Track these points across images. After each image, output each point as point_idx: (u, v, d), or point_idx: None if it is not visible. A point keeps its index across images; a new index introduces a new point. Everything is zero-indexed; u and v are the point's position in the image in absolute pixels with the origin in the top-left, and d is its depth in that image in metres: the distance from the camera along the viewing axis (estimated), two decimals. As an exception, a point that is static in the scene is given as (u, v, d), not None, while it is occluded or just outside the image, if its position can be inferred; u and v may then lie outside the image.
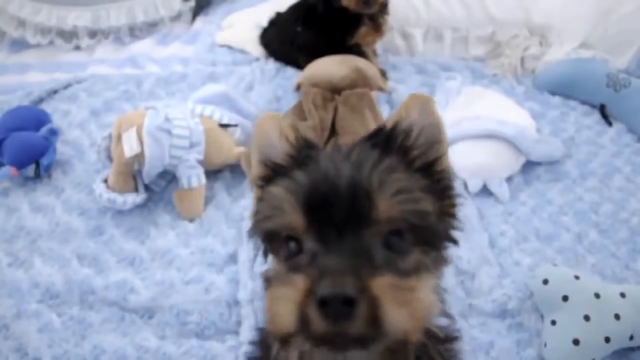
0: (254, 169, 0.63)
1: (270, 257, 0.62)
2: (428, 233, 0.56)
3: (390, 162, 0.56)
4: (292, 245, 0.55)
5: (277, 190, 0.56)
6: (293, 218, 0.54)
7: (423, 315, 0.52)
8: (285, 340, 0.51)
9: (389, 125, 0.61)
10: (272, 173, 0.61)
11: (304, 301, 0.49)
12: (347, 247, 0.51)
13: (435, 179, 0.61)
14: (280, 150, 0.61)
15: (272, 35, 2.05)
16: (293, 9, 2.02)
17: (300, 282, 0.49)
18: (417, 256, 0.55)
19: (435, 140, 0.62)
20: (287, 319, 0.49)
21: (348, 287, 0.47)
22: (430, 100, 0.64)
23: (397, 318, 0.48)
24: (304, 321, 0.49)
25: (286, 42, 2.00)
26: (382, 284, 0.49)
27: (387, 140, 0.60)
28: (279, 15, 2.07)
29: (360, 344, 0.49)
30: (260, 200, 0.60)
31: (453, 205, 0.64)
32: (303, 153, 0.59)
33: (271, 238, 0.58)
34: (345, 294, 0.47)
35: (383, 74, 1.89)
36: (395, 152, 0.59)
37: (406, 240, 0.55)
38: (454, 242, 0.63)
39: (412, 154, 0.60)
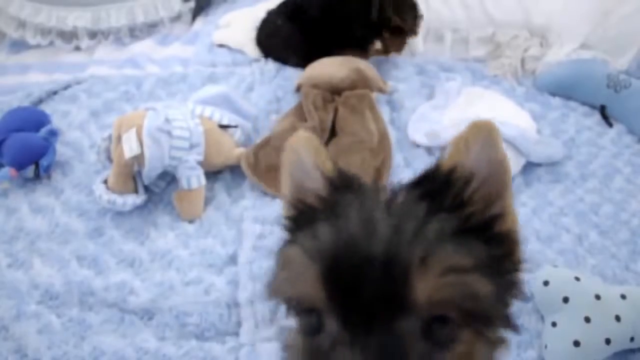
0: (285, 197, 0.55)
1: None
2: (482, 317, 0.45)
3: (440, 225, 0.44)
4: (314, 319, 0.45)
5: (296, 253, 0.45)
6: (312, 291, 0.43)
7: None
8: None
9: (446, 167, 0.49)
10: (301, 216, 0.51)
11: None
12: (375, 340, 0.41)
13: (496, 244, 0.47)
14: (315, 180, 0.51)
15: (262, 31, 2.06)
16: (282, 5, 2.05)
17: None
18: (465, 346, 0.44)
19: (500, 189, 0.50)
20: None
21: None
22: (495, 131, 0.50)
23: None
24: None
25: (270, 36, 2.02)
26: None
27: (441, 190, 0.47)
28: (268, 12, 2.09)
29: None
30: (280, 257, 0.50)
31: (516, 281, 0.50)
32: (336, 195, 0.48)
33: (289, 304, 0.48)
34: None
35: None
36: (448, 208, 0.46)
37: (451, 326, 0.43)
38: (514, 329, 0.49)
39: (469, 209, 0.47)
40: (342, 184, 0.50)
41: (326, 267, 0.42)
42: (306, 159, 0.52)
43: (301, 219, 0.49)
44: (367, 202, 0.46)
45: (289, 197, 0.53)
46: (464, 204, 0.47)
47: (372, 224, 0.43)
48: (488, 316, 0.45)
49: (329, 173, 0.51)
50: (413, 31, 1.91)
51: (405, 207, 0.45)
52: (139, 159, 1.41)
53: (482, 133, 0.49)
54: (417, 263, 0.41)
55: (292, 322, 0.48)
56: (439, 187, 0.47)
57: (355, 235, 0.43)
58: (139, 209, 1.46)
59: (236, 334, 1.19)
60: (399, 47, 1.96)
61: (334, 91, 1.73)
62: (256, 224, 1.41)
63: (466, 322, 0.43)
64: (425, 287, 0.41)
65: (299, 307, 0.46)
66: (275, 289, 0.47)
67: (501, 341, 0.48)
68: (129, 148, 1.39)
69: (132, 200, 1.44)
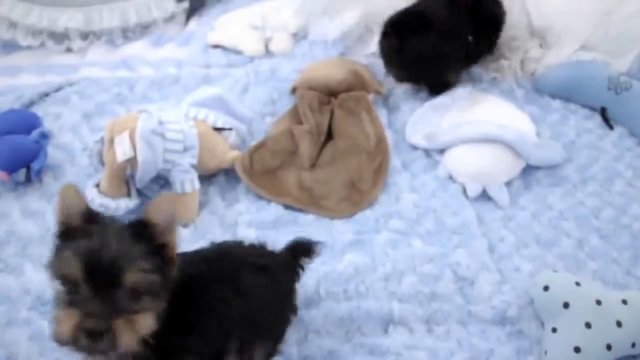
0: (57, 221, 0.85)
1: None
2: (154, 289, 0.82)
3: (139, 247, 0.81)
4: (73, 287, 0.79)
5: (68, 253, 0.79)
6: (76, 272, 0.78)
7: (141, 333, 0.81)
8: (63, 344, 0.80)
9: (147, 218, 0.84)
10: (66, 232, 0.83)
11: (75, 327, 0.77)
12: (105, 297, 0.77)
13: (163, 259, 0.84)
14: (76, 214, 0.83)
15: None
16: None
17: (76, 315, 0.77)
18: (146, 302, 0.81)
19: (167, 232, 0.84)
20: (65, 335, 0.78)
21: (99, 325, 0.77)
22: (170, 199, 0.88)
23: (124, 339, 0.79)
24: (74, 337, 0.78)
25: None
26: (120, 321, 0.78)
27: (143, 229, 0.83)
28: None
29: (104, 353, 0.81)
30: (57, 253, 0.83)
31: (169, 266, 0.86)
32: (88, 224, 0.83)
33: (62, 280, 0.81)
34: (98, 329, 0.77)
35: None
36: (145, 237, 0.83)
37: (142, 296, 0.81)
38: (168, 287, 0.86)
39: (153, 240, 0.83)
40: (92, 218, 0.84)
41: (83, 260, 0.78)
42: (71, 201, 0.83)
43: (67, 234, 0.83)
44: (102, 232, 0.81)
45: (60, 221, 0.84)
46: (152, 237, 0.83)
47: (106, 242, 0.80)
48: (157, 289, 0.82)
49: (85, 211, 0.83)
50: None
51: (124, 235, 0.82)
52: (131, 162, 1.39)
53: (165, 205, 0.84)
54: (126, 266, 0.79)
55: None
56: (144, 227, 0.83)
57: (98, 247, 0.79)
58: (132, 213, 1.44)
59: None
60: None
61: (330, 93, 1.73)
62: (251, 229, 1.41)
63: (147, 292, 0.81)
64: (130, 277, 0.78)
65: (67, 281, 0.79)
66: (55, 272, 0.80)
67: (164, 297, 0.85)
68: (122, 151, 1.37)
69: (125, 204, 1.43)
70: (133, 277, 0.79)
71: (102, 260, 0.79)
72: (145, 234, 0.84)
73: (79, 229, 0.83)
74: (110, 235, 0.82)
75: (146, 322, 0.82)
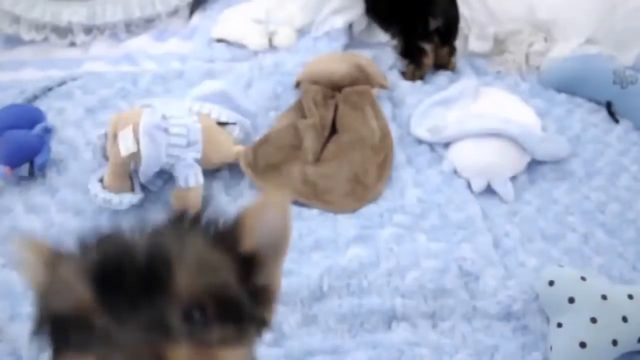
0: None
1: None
2: (233, 307, 0.51)
3: (192, 237, 0.52)
4: (83, 330, 0.46)
5: (64, 268, 0.49)
6: (79, 292, 0.46)
7: None
8: None
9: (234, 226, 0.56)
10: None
11: None
12: (142, 320, 0.45)
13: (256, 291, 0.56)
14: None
15: None
16: None
17: None
18: (222, 330, 0.49)
19: (276, 252, 0.58)
20: None
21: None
22: (285, 206, 0.59)
23: None
24: None
25: None
26: (180, 354, 0.45)
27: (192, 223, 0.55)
28: None
29: None
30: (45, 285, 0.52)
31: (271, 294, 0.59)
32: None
33: (58, 328, 0.49)
34: None
35: None
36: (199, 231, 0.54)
37: (209, 313, 0.49)
38: (266, 325, 0.58)
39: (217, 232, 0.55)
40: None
41: (92, 267, 0.47)
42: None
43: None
44: (128, 234, 0.52)
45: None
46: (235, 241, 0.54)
47: (135, 237, 0.50)
48: (237, 305, 0.51)
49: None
50: None
51: (162, 228, 0.52)
52: (135, 157, 1.39)
53: (274, 205, 0.56)
54: (175, 255, 0.47)
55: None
56: (230, 240, 0.54)
57: (120, 242, 0.49)
58: (135, 208, 1.44)
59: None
60: None
61: (334, 87, 1.72)
62: (255, 223, 1.39)
63: (220, 312, 0.49)
64: (183, 275, 0.47)
65: (69, 325, 0.47)
66: (42, 312, 0.50)
67: (252, 340, 0.55)
68: (125, 146, 1.37)
69: (129, 199, 1.42)
70: (191, 277, 0.48)
71: (130, 262, 0.47)
72: (232, 251, 0.54)
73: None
74: (139, 235, 0.51)
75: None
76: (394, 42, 1.89)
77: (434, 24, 1.79)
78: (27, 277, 0.56)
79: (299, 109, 1.69)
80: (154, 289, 0.46)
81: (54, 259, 0.53)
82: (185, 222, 0.54)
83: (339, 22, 2.02)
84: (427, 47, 1.81)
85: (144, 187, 1.48)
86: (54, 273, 0.50)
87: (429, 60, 1.84)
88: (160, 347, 0.44)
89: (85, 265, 0.47)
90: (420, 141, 1.64)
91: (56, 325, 0.49)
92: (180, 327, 0.46)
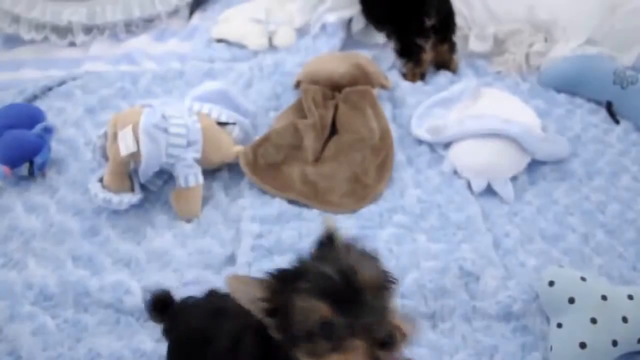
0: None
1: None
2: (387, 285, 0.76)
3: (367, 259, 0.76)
4: (326, 327, 0.70)
5: (304, 296, 0.71)
6: (322, 310, 0.70)
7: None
8: None
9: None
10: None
11: (372, 351, 0.69)
12: (365, 313, 0.70)
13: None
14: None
15: None
16: None
17: (358, 342, 0.69)
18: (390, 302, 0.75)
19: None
20: None
21: (388, 327, 0.69)
22: None
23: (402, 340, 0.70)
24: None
25: None
26: (397, 321, 0.71)
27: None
28: None
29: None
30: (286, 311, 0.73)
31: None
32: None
33: (309, 333, 0.72)
34: (391, 332, 0.69)
35: None
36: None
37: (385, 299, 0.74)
38: None
39: None
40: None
41: (325, 292, 0.70)
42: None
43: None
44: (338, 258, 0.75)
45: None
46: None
47: (335, 270, 0.72)
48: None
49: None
50: None
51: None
52: (135, 156, 1.39)
53: None
54: (369, 278, 0.72)
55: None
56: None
57: (330, 276, 0.71)
58: (135, 207, 1.45)
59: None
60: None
61: (334, 87, 1.72)
62: (254, 223, 1.40)
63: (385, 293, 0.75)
64: (368, 278, 0.72)
65: (315, 327, 0.71)
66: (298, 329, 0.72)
67: None
68: (125, 146, 1.37)
69: (129, 199, 1.42)
70: (370, 278, 0.73)
71: (342, 284, 0.71)
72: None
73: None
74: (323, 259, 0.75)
75: (407, 322, 0.74)
76: (392, 42, 1.89)
77: (429, 22, 1.79)
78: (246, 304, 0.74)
79: (299, 109, 1.68)
80: (358, 298, 0.70)
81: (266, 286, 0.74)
82: (336, 245, 0.79)
83: (332, 17, 2.03)
84: (424, 43, 1.81)
85: (143, 187, 1.48)
86: (289, 301, 0.72)
87: (427, 56, 1.84)
88: (385, 323, 0.70)
89: (316, 292, 0.70)
90: (420, 141, 1.64)
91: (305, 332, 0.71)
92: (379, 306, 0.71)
